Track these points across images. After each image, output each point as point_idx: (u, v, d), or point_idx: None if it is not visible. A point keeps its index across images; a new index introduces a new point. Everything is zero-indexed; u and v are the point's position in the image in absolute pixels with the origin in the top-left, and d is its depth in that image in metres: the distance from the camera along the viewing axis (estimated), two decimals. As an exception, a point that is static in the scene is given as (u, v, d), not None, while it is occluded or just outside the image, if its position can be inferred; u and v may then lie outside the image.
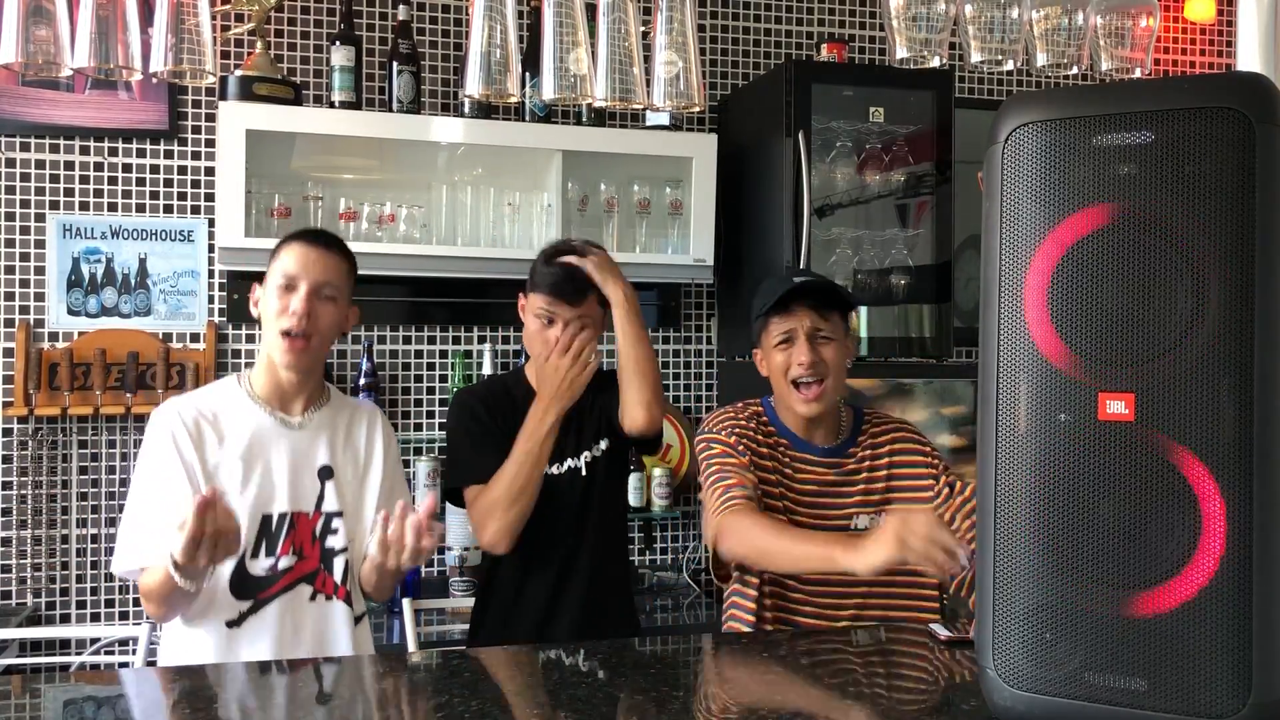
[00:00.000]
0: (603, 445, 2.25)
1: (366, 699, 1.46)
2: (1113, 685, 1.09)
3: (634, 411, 2.15)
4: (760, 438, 2.07)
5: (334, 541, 1.95)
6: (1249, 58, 2.59)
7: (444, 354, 3.28)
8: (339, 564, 1.94)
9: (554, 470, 2.20)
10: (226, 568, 1.85)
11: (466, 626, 2.38)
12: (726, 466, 2.00)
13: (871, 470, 2.09)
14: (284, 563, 1.89)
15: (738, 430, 2.06)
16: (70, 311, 3.00)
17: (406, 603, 2.49)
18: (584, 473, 2.23)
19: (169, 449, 1.88)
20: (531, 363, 2.28)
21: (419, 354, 3.27)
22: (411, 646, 2.41)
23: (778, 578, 2.01)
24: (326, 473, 1.96)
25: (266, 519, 1.90)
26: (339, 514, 1.96)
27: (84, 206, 3.01)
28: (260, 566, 1.88)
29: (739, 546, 1.88)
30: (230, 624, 1.87)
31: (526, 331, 2.25)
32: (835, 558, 1.75)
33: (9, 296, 2.97)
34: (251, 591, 1.88)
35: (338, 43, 2.98)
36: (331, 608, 1.93)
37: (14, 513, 2.95)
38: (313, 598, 1.92)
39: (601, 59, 2.05)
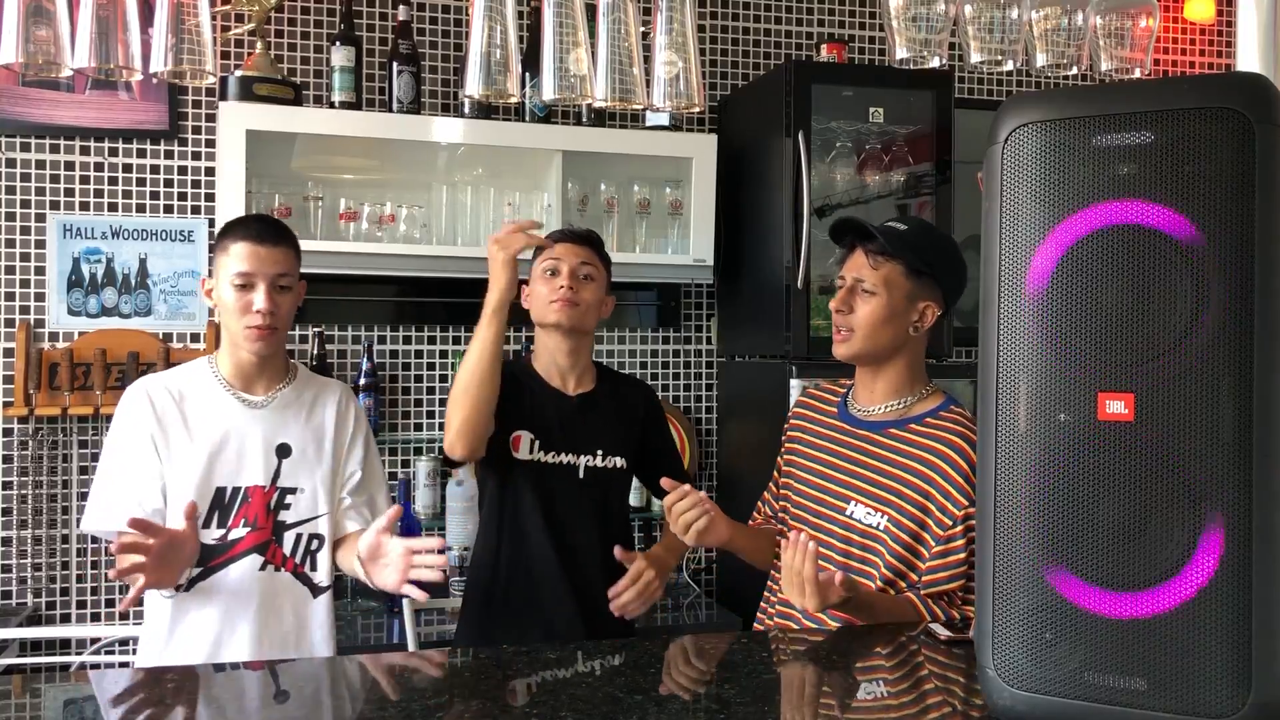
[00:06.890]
0: (618, 463, 2.23)
1: (366, 699, 1.46)
2: (1113, 685, 1.09)
3: None
4: (814, 413, 2.07)
5: (287, 516, 2.02)
6: (1249, 58, 2.59)
7: (444, 354, 3.28)
8: (290, 538, 2.01)
9: (548, 459, 2.18)
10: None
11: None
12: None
13: (896, 463, 1.86)
14: (235, 534, 1.98)
15: (797, 413, 2.12)
16: (70, 311, 3.00)
17: (406, 603, 2.49)
18: (580, 474, 2.19)
19: (136, 425, 1.99)
20: (536, 355, 2.29)
21: (419, 354, 3.27)
22: (411, 646, 2.41)
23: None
24: (284, 450, 2.03)
25: (220, 491, 1.98)
26: (294, 490, 2.03)
27: (84, 206, 3.02)
28: (211, 536, 1.96)
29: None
30: (176, 587, 1.94)
31: (532, 302, 2.25)
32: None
33: (9, 296, 2.97)
34: (202, 560, 1.95)
35: (338, 43, 2.98)
36: (280, 579, 2.00)
37: (14, 513, 2.95)
38: (263, 568, 1.99)
39: (601, 59, 2.05)
